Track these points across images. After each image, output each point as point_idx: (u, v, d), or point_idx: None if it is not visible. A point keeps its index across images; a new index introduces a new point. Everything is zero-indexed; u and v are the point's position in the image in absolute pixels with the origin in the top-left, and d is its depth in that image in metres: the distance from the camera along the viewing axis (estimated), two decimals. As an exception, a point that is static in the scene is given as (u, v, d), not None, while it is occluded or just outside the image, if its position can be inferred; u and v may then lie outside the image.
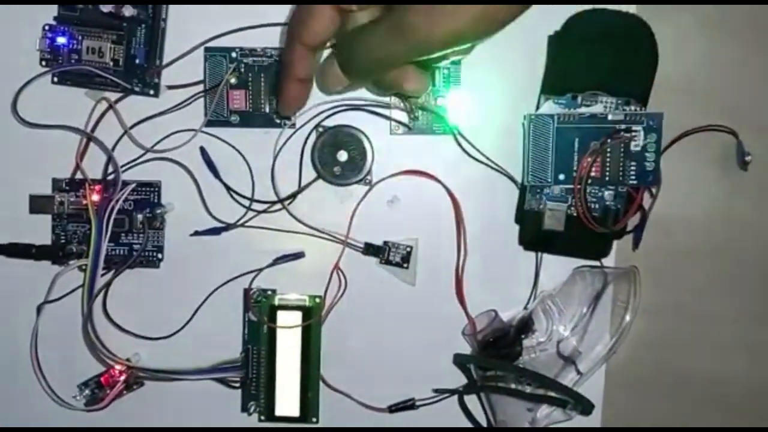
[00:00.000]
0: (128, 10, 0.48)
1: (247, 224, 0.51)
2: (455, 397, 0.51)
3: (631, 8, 0.48)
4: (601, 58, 0.47)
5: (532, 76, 0.49)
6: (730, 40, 0.50)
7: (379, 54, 0.33)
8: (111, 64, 0.49)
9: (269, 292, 0.51)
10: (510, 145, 0.50)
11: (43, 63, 0.49)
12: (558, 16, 0.48)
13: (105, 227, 0.47)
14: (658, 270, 0.51)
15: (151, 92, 0.50)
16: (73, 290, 0.50)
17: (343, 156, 0.49)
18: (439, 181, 0.50)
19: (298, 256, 0.51)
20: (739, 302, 0.52)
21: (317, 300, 0.50)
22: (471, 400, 0.51)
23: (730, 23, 0.50)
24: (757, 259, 0.52)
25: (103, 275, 0.49)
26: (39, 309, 0.50)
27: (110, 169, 0.49)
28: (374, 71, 0.36)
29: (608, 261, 0.50)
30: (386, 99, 0.49)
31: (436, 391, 0.51)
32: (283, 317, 0.49)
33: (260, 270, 0.51)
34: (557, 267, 0.51)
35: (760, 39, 0.50)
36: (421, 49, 0.31)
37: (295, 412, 0.50)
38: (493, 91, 0.50)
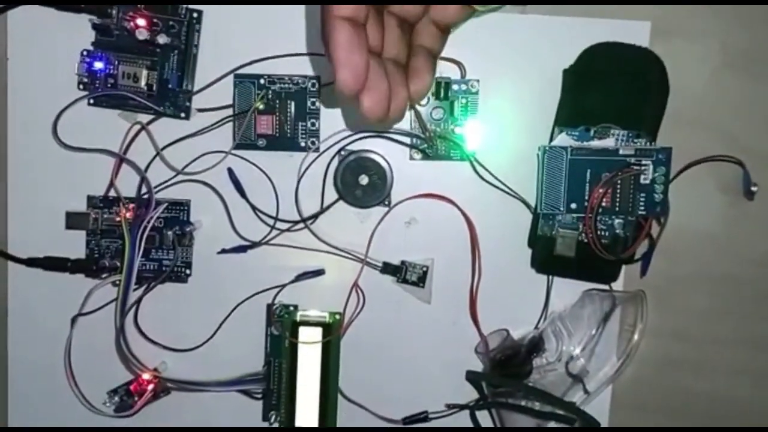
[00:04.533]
0: (162, 38, 0.51)
1: (271, 242, 0.53)
2: (467, 412, 0.54)
3: (645, 40, 0.50)
4: (613, 92, 0.49)
5: (546, 107, 0.51)
6: (738, 71, 0.52)
7: None
8: (145, 88, 0.51)
9: (291, 308, 0.53)
10: (524, 171, 0.52)
11: (81, 87, 0.52)
12: (573, 50, 0.50)
13: (138, 244, 0.50)
14: (665, 294, 0.53)
15: (183, 115, 0.52)
16: (107, 304, 0.53)
17: (364, 180, 0.52)
18: (455, 205, 0.53)
19: (319, 273, 0.54)
20: (742, 326, 0.54)
21: (337, 316, 0.53)
22: (482, 415, 0.54)
23: (737, 55, 0.52)
24: (760, 285, 0.53)
25: (134, 290, 0.51)
26: (73, 320, 0.53)
27: (143, 189, 0.52)
28: None
29: (616, 284, 0.52)
30: (407, 126, 0.52)
31: (448, 405, 0.54)
32: (304, 333, 0.52)
33: (283, 286, 0.53)
34: (567, 289, 0.53)
35: (765, 70, 0.52)
36: None
37: (314, 422, 0.52)
38: (508, 120, 0.52)
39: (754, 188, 0.51)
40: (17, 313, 0.54)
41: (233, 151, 0.52)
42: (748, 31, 0.51)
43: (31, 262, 0.53)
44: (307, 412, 0.52)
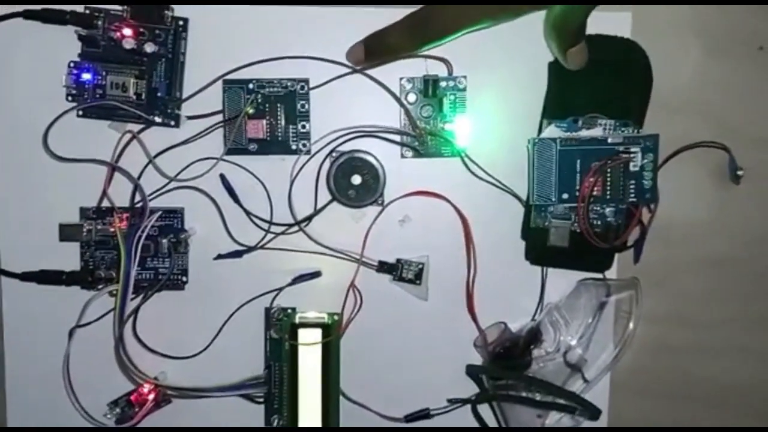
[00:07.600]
0: (150, 47, 0.51)
1: (266, 246, 0.53)
2: (468, 406, 0.54)
3: (626, 30, 0.51)
4: (598, 83, 0.49)
5: (534, 100, 0.51)
6: (721, 57, 0.53)
7: None
8: (134, 97, 0.51)
9: (289, 311, 0.53)
10: (514, 165, 0.52)
11: (69, 98, 0.52)
12: (557, 43, 0.50)
13: (134, 253, 0.50)
14: (658, 280, 0.54)
15: (172, 123, 0.52)
16: (104, 315, 0.52)
17: (356, 180, 0.52)
18: (448, 201, 0.53)
19: (315, 275, 0.54)
20: (734, 308, 0.55)
21: (336, 317, 0.53)
22: (483, 409, 0.54)
23: (716, 41, 0.53)
24: (749, 267, 0.54)
25: (131, 300, 0.51)
26: (71, 333, 0.52)
27: (137, 197, 0.52)
28: None
29: (610, 273, 0.53)
30: (397, 125, 0.52)
31: (450, 400, 0.54)
32: (304, 334, 0.52)
33: (280, 290, 0.53)
34: (562, 280, 0.53)
35: (748, 54, 0.53)
36: None
37: (317, 424, 0.52)
38: (497, 115, 0.52)
39: (740, 173, 0.52)
40: (13, 328, 0.54)
41: (225, 157, 0.52)
42: (726, 15, 0.52)
43: (26, 276, 0.52)
44: (309, 413, 0.52)
